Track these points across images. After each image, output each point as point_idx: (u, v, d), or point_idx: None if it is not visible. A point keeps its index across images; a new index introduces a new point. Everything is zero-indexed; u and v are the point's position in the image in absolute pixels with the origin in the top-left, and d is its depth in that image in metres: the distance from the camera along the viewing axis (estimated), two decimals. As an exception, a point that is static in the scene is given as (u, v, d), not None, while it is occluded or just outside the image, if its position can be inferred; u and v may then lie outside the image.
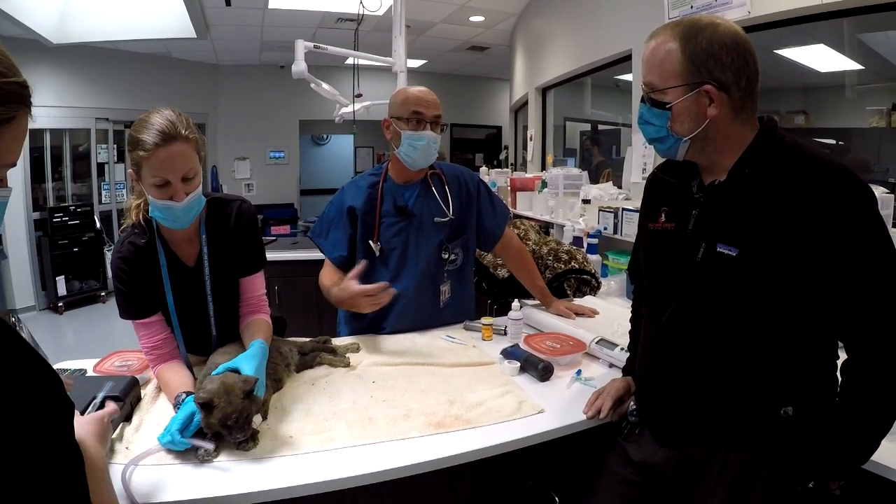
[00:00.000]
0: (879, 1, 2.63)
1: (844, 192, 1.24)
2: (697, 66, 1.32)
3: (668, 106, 1.37)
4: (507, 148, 9.52)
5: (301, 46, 4.25)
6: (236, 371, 1.52)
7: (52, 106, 7.79)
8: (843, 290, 1.27)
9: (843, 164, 1.29)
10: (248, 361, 1.58)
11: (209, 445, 1.41)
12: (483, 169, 6.79)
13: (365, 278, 2.34)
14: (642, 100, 1.44)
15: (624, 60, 4.68)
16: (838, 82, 3.59)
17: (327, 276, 2.39)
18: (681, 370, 1.46)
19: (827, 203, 1.23)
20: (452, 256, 2.43)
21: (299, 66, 4.24)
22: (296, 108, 10.64)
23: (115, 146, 8.69)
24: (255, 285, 1.96)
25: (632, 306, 1.90)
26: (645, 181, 1.74)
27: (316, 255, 2.47)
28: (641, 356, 1.64)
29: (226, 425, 1.40)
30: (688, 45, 1.33)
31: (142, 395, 1.75)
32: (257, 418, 1.53)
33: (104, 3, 6.60)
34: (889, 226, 2.23)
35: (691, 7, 3.53)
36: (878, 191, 2.28)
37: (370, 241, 2.35)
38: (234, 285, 1.94)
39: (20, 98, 0.89)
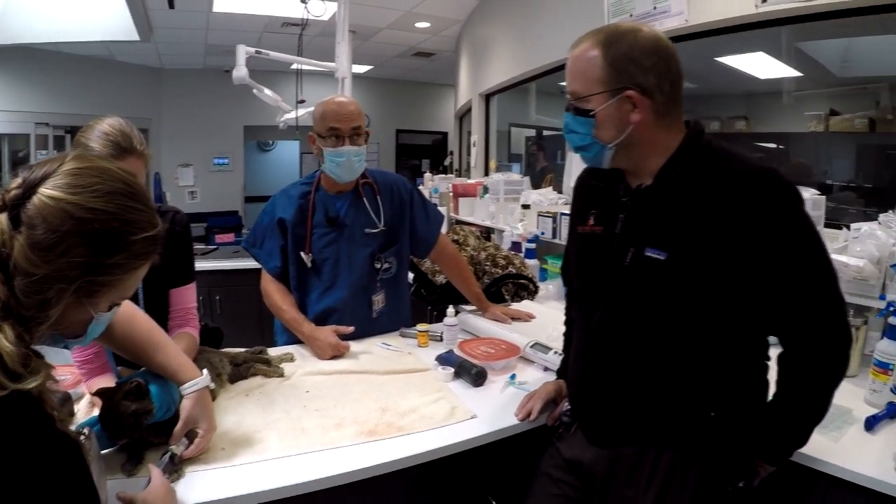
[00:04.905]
0: (814, 11, 2.69)
1: (769, 191, 1.27)
2: (619, 71, 1.32)
3: (591, 113, 1.37)
4: (452, 153, 9.53)
5: (242, 52, 4.21)
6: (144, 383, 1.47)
7: (-11, 110, 7.56)
8: (774, 286, 1.30)
9: (766, 166, 1.32)
10: (153, 377, 1.52)
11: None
12: (427, 175, 6.81)
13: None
14: (567, 109, 1.44)
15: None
16: (777, 89, 3.68)
17: (275, 290, 2.38)
18: (611, 373, 1.48)
19: (753, 203, 1.26)
20: (386, 265, 2.42)
21: (240, 72, 4.20)
22: (240, 113, 10.44)
23: (55, 152, 8.39)
24: (186, 298, 1.94)
25: (565, 309, 1.91)
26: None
27: (257, 263, 2.45)
28: (573, 360, 1.66)
29: (100, 412, 1.40)
30: (609, 52, 1.33)
31: (75, 411, 1.72)
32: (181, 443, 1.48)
33: (45, 3, 6.41)
34: (821, 225, 2.32)
35: (630, 15, 3.57)
36: (810, 192, 2.36)
37: (301, 253, 2.33)
38: (167, 297, 1.92)
39: (154, 249, 1.09)
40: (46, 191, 0.94)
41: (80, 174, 0.98)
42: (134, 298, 1.81)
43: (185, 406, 1.48)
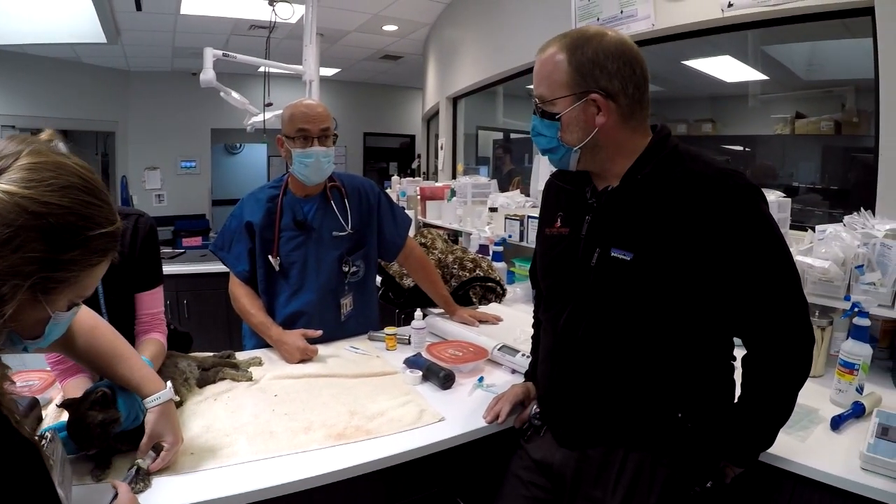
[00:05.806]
0: (780, 15, 2.73)
1: (732, 192, 1.29)
2: (583, 75, 1.34)
3: (557, 116, 1.39)
4: (419, 156, 9.52)
5: (209, 54, 4.19)
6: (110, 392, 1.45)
7: (-48, 113, 7.38)
8: (738, 288, 1.32)
9: (730, 168, 1.34)
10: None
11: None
12: (395, 178, 6.80)
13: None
14: (534, 112, 1.45)
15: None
16: (744, 92, 3.71)
17: (243, 294, 2.38)
18: (578, 374, 1.49)
19: (716, 204, 1.29)
20: (354, 269, 2.43)
21: (207, 75, 4.17)
22: (208, 116, 10.30)
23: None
24: (152, 302, 1.92)
25: (533, 311, 1.92)
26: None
27: (225, 267, 2.44)
28: (542, 361, 1.67)
29: (67, 423, 1.39)
30: (574, 56, 1.35)
31: (42, 416, 1.70)
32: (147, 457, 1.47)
33: (11, 4, 6.27)
34: (787, 227, 2.36)
35: (597, 19, 3.59)
36: (776, 194, 2.40)
37: (269, 256, 2.33)
38: (131, 302, 1.90)
39: (113, 246, 1.08)
40: (1, 185, 0.93)
41: (36, 168, 0.96)
42: (94, 301, 1.80)
43: (149, 420, 1.46)
